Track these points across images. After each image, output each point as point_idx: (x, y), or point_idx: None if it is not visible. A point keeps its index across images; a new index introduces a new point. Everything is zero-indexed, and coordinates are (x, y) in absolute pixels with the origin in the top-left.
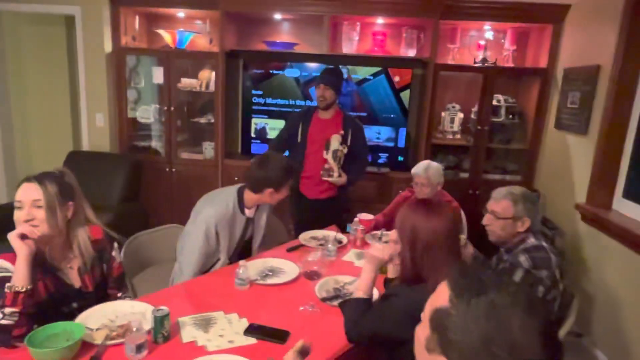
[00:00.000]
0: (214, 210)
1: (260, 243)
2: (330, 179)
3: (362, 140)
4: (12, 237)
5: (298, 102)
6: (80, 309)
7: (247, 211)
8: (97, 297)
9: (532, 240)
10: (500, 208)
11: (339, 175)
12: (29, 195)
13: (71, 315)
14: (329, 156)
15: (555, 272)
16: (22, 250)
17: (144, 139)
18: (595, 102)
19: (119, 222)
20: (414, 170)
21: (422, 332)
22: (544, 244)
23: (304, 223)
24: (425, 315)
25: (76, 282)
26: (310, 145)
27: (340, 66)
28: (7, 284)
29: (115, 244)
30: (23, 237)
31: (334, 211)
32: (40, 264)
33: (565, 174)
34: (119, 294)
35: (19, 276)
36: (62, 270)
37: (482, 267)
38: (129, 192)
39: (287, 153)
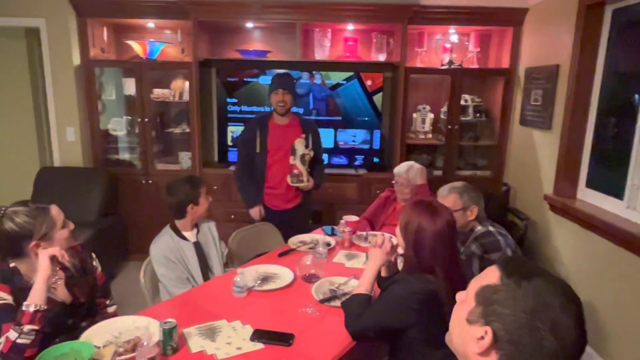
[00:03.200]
0: (157, 247)
1: (228, 260)
2: (300, 185)
3: (320, 142)
4: (44, 254)
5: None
6: (74, 325)
7: (187, 235)
8: (87, 309)
9: (479, 228)
10: (450, 202)
11: (307, 180)
12: None
13: (67, 333)
14: (297, 161)
15: (506, 252)
16: (46, 270)
17: (116, 151)
18: (557, 99)
19: (99, 237)
20: (395, 170)
21: (463, 306)
22: (491, 228)
23: None
24: (470, 291)
25: (66, 298)
26: (272, 153)
27: (313, 72)
28: (25, 303)
29: (93, 254)
30: (53, 258)
31: (299, 219)
32: (27, 289)
33: (532, 167)
34: (107, 301)
35: (38, 294)
36: (49, 290)
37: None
38: (107, 206)
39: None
